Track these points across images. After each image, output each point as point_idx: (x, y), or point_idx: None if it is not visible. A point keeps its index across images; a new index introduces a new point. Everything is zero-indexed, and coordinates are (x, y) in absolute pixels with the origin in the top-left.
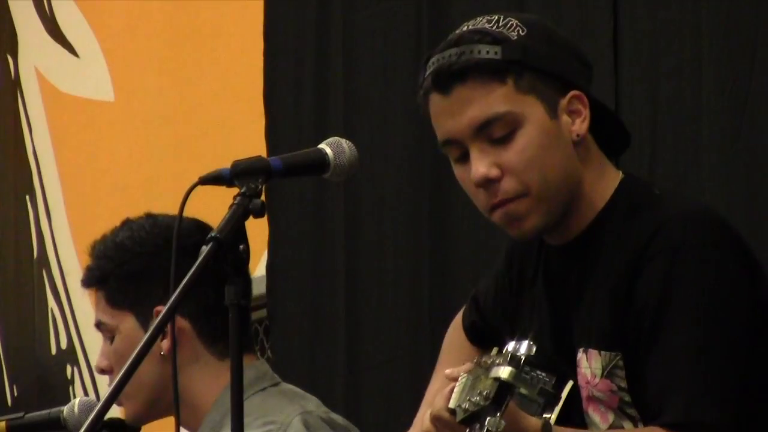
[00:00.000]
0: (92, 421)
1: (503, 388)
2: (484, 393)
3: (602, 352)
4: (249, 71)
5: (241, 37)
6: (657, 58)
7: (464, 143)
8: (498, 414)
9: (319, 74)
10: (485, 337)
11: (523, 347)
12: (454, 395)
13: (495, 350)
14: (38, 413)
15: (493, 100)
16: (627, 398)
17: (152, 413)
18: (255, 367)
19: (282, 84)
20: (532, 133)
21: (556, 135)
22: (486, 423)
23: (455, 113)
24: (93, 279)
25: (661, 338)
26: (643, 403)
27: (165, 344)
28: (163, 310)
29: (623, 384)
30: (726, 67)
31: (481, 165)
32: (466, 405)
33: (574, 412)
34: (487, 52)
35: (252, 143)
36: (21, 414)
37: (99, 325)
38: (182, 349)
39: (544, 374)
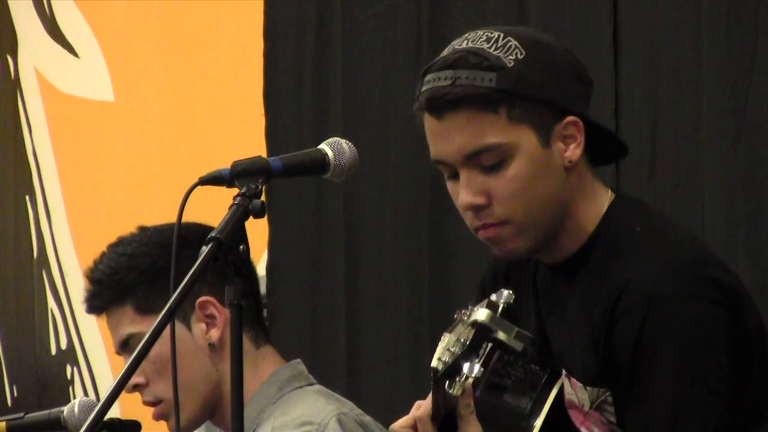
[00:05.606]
0: (92, 421)
1: (480, 331)
2: (462, 340)
3: (588, 387)
4: (249, 71)
5: (241, 37)
6: (657, 58)
7: (454, 166)
8: (476, 359)
9: (319, 74)
10: None
11: (503, 296)
12: (436, 353)
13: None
14: (38, 413)
15: (484, 131)
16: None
17: (205, 414)
18: (292, 366)
19: (282, 84)
20: (523, 163)
21: (547, 164)
22: (463, 368)
23: (446, 139)
24: (116, 295)
25: (635, 396)
26: None
27: (214, 333)
28: (208, 298)
29: (613, 419)
30: (726, 67)
31: (467, 193)
32: (445, 357)
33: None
34: (482, 80)
35: (252, 143)
36: (21, 414)
37: (128, 341)
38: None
39: (537, 367)
